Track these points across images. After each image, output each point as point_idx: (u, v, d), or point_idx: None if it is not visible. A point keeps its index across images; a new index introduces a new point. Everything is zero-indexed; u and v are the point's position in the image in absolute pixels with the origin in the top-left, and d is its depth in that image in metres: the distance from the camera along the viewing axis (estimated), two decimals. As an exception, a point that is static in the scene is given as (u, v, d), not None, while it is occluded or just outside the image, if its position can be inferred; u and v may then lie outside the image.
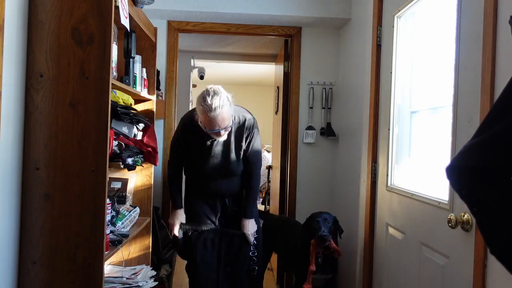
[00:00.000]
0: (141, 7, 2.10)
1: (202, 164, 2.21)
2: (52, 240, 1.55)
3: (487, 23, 1.33)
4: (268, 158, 6.12)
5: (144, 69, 2.30)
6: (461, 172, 0.68)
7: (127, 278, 2.04)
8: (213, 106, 1.95)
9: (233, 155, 2.20)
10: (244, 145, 2.21)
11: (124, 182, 2.33)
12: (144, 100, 2.39)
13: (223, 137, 2.12)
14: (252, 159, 2.26)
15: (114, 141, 1.84)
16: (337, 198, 3.10)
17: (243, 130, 2.19)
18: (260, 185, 2.68)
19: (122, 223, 2.01)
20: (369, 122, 2.38)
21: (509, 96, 0.66)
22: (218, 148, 2.19)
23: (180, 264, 3.81)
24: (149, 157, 2.15)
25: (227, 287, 2.25)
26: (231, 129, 2.16)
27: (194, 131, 2.15)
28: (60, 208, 1.55)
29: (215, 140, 2.15)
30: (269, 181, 5.08)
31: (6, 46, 1.44)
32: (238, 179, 2.29)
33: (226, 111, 2.00)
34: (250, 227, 2.24)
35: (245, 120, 2.21)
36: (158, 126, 2.98)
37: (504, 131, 0.62)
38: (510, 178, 0.63)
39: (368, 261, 2.32)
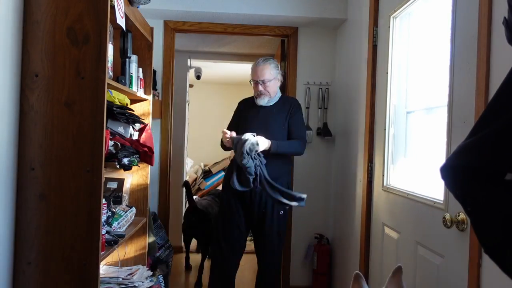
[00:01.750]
0: (137, 7, 2.09)
1: (248, 128, 2.45)
2: (47, 240, 1.54)
3: (482, 24, 1.34)
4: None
5: (140, 69, 2.29)
6: (455, 172, 0.68)
7: (123, 279, 2.03)
8: (261, 60, 2.52)
9: (275, 122, 2.49)
10: (287, 118, 2.51)
11: (120, 182, 2.32)
12: (140, 100, 2.38)
13: (263, 99, 2.50)
14: (296, 135, 2.51)
15: (110, 141, 1.83)
16: (333, 198, 3.11)
17: (287, 105, 2.55)
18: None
19: (118, 223, 2.00)
20: (365, 122, 2.39)
21: (502, 97, 0.66)
22: (264, 116, 2.52)
23: (177, 264, 3.80)
24: (145, 157, 2.15)
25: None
26: (277, 102, 2.55)
27: (246, 104, 2.65)
28: (55, 209, 1.55)
29: (263, 108, 2.52)
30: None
31: (1, 45, 1.43)
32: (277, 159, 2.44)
33: (269, 67, 2.49)
34: (261, 141, 2.31)
35: (292, 98, 2.72)
36: (155, 126, 2.98)
37: (497, 132, 0.62)
38: (503, 178, 0.63)
39: (364, 260, 2.33)
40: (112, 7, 1.61)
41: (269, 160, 2.37)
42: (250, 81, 2.57)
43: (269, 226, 2.48)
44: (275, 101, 2.55)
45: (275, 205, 2.43)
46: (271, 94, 2.51)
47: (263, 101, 2.51)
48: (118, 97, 1.98)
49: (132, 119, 2.08)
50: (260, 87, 2.48)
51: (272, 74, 2.49)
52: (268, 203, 2.45)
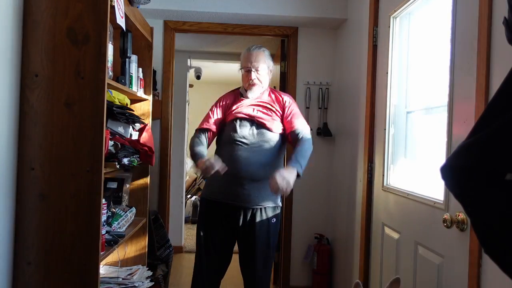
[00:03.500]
0: (137, 7, 2.09)
1: (234, 124, 2.14)
2: (47, 240, 1.54)
3: (482, 24, 1.34)
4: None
5: (140, 69, 2.29)
6: (455, 172, 0.68)
7: (123, 279, 2.04)
8: (253, 46, 2.23)
9: (263, 114, 2.13)
10: (278, 111, 2.16)
11: (120, 182, 2.32)
12: (140, 100, 2.38)
13: (254, 91, 2.17)
14: (300, 131, 2.13)
15: (110, 141, 1.83)
16: (333, 198, 3.11)
17: (279, 99, 2.20)
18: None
19: (118, 223, 2.00)
20: (365, 122, 2.39)
21: (502, 97, 0.66)
22: (250, 107, 2.16)
23: (176, 264, 3.80)
24: (145, 157, 2.15)
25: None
26: (266, 97, 2.19)
27: (231, 97, 2.26)
28: (55, 209, 1.55)
29: (248, 100, 2.18)
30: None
31: (1, 45, 1.43)
32: (265, 154, 2.09)
33: (263, 54, 2.21)
34: (286, 174, 1.88)
35: (282, 94, 2.24)
36: (154, 126, 2.97)
37: (497, 132, 0.62)
38: (503, 178, 0.63)
39: (364, 260, 2.33)
40: (112, 7, 1.61)
41: (252, 161, 2.06)
42: (240, 69, 2.23)
43: (257, 242, 2.09)
44: (265, 98, 2.19)
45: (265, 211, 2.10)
46: (263, 85, 2.18)
47: (255, 93, 2.17)
48: (118, 97, 1.98)
49: (132, 119, 2.08)
50: (254, 75, 2.13)
51: (266, 62, 2.19)
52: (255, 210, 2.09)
